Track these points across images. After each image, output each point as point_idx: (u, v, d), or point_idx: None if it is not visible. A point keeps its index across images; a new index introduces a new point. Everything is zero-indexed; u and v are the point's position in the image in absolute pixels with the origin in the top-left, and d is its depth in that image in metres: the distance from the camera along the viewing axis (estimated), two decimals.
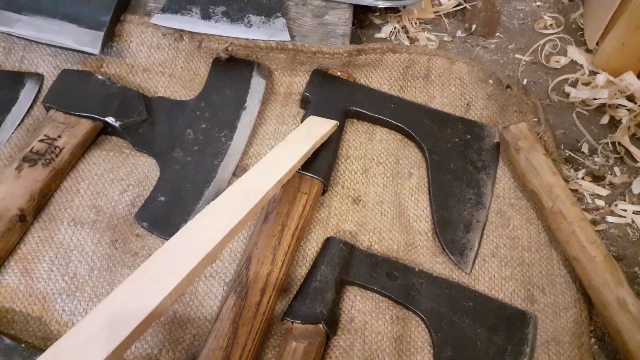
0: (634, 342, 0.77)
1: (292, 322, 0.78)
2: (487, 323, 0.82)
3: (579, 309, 0.86)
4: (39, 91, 1.01)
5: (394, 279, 0.85)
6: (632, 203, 1.02)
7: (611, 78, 1.19)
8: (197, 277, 0.81)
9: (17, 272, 0.80)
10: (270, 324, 0.80)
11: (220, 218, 0.72)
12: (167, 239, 0.85)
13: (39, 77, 1.02)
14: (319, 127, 0.97)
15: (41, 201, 0.86)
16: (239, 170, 0.97)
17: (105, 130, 0.98)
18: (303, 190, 0.89)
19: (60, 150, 0.89)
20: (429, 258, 0.90)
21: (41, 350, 0.72)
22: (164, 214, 0.88)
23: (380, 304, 0.84)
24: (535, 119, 1.11)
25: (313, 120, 1.00)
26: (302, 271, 0.87)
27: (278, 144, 0.91)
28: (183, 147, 0.96)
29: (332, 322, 0.79)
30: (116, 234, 0.86)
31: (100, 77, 0.99)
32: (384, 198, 0.97)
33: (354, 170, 1.00)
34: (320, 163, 0.93)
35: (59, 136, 0.91)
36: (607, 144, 1.11)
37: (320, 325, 0.77)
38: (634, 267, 0.94)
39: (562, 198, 0.91)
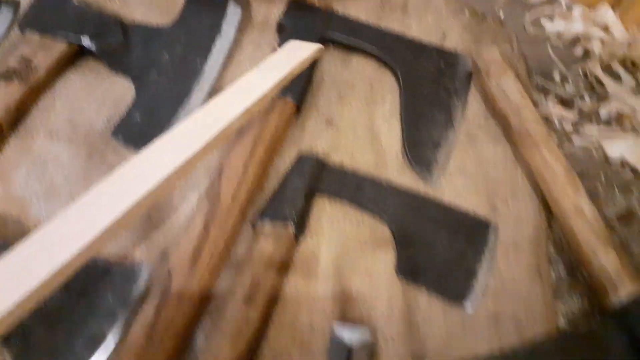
0: (587, 244, 0.81)
1: (261, 223, 0.81)
2: (448, 229, 0.85)
3: (539, 219, 0.89)
4: (14, 16, 1.02)
5: (362, 190, 0.88)
6: (599, 126, 1.04)
7: (587, 11, 1.20)
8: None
9: None
10: (241, 228, 0.83)
11: (175, 150, 0.71)
12: None
13: (15, 3, 1.03)
14: (300, 51, 0.96)
15: (17, 116, 0.88)
16: (214, 92, 0.98)
17: (82, 53, 0.99)
18: (276, 108, 0.92)
19: (36, 67, 0.91)
20: (398, 175, 0.93)
21: None
22: (139, 131, 0.91)
23: (348, 211, 0.87)
24: (510, 49, 1.12)
25: (294, 44, 0.99)
26: (274, 185, 0.90)
27: (252, 69, 0.90)
28: (158, 69, 0.98)
29: (300, 225, 0.82)
30: (92, 148, 0.88)
31: (76, 2, 1.00)
32: (357, 121, 0.99)
33: (328, 94, 1.02)
34: (294, 83, 0.95)
35: (35, 56, 0.92)
36: (578, 72, 1.13)
37: (289, 226, 0.81)
38: (596, 183, 0.97)
39: (529, 118, 0.94)
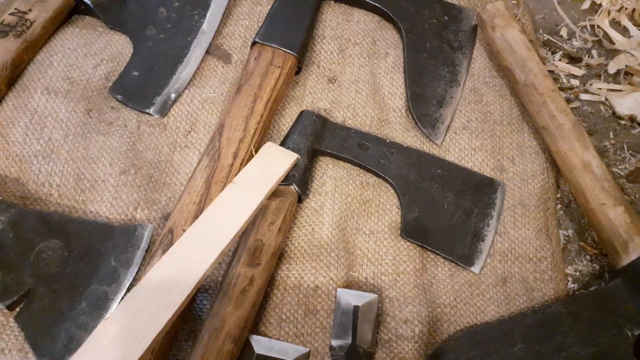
0: (596, 201, 0.79)
1: None
2: (455, 188, 0.84)
3: (546, 177, 0.88)
4: None
5: (365, 149, 0.86)
6: (607, 82, 1.02)
7: None
8: None
9: None
10: None
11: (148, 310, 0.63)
12: (142, 111, 0.87)
13: None
14: (276, 164, 0.79)
15: (14, 72, 0.86)
16: (213, 48, 0.96)
17: (78, 9, 0.97)
18: (276, 63, 0.89)
19: (32, 23, 0.88)
20: (401, 133, 0.92)
21: (19, 206, 0.74)
22: (138, 87, 0.89)
23: (351, 172, 0.86)
24: (514, 1, 1.09)
25: (269, 151, 0.82)
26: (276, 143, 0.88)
27: (227, 187, 0.75)
28: (156, 24, 0.95)
29: (303, 185, 0.81)
30: (91, 104, 0.87)
31: None
32: (360, 77, 0.97)
33: (330, 50, 1.00)
34: (295, 39, 0.93)
35: (30, 10, 0.90)
36: (585, 27, 1.10)
37: (292, 187, 0.79)
38: (604, 141, 0.95)
39: (535, 71, 0.92)
